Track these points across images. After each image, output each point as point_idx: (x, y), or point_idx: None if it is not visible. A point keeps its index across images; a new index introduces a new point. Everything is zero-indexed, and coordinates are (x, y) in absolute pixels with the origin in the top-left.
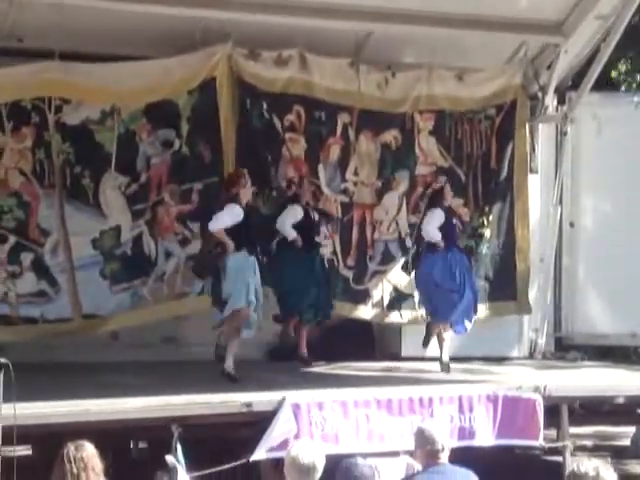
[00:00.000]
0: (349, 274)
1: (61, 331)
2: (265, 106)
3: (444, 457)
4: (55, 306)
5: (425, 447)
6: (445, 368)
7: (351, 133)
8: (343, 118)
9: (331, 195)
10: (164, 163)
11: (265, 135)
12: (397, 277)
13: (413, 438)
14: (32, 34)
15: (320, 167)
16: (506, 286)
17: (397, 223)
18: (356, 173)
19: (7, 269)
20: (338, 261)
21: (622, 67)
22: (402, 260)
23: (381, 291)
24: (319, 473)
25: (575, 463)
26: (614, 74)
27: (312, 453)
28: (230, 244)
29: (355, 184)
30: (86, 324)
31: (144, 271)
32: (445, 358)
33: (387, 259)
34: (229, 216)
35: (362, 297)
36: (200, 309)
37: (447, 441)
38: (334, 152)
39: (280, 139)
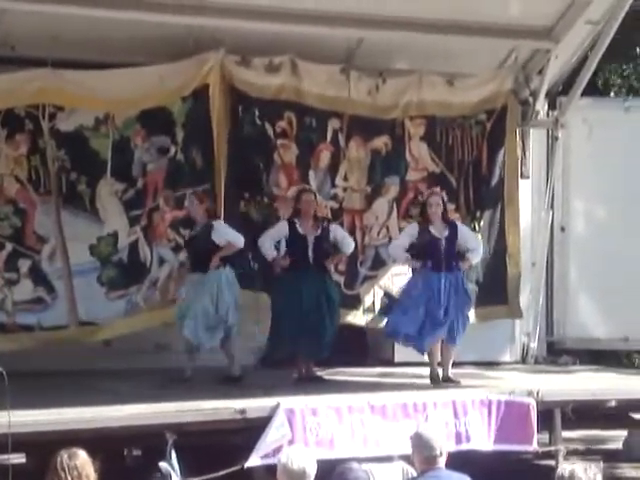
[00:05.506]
0: (340, 279)
1: (57, 339)
2: (257, 113)
3: (441, 462)
4: (52, 313)
5: (422, 452)
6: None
7: (341, 139)
8: (333, 124)
9: (321, 201)
10: (160, 169)
11: (257, 142)
12: (388, 282)
13: (410, 443)
14: (24, 42)
15: (311, 173)
16: (497, 291)
17: (387, 228)
18: (346, 179)
19: (4, 276)
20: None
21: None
22: (393, 265)
23: (372, 296)
24: (310, 479)
25: (561, 467)
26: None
27: (303, 459)
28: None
29: (345, 190)
30: (81, 332)
31: (139, 278)
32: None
33: (378, 264)
34: None
35: (354, 302)
36: None
37: (445, 446)
38: (324, 158)
39: (272, 145)
